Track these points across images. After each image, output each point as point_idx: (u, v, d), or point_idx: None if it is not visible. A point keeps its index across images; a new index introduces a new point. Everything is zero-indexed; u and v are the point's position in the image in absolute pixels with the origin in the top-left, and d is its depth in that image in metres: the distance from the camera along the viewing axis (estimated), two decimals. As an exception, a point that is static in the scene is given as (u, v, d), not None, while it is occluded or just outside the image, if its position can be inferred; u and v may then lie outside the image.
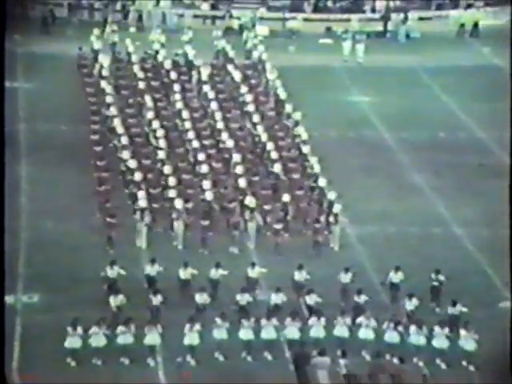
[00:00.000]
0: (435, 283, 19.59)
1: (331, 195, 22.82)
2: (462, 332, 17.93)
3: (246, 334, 17.98)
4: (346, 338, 18.11)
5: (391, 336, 18.08)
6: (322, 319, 18.22)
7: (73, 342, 17.45)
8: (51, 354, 17.52)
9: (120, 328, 17.67)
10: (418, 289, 19.40)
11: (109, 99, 27.53)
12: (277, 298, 19.05)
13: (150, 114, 26.84)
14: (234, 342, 17.95)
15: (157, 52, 31.30)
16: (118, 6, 37.54)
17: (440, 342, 17.97)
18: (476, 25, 38.14)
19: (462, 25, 38.16)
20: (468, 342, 17.86)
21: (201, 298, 18.87)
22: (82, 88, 29.25)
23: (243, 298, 19.01)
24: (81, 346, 17.50)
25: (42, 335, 18.12)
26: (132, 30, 36.10)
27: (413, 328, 18.08)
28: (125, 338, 17.65)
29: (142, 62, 30.60)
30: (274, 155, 24.89)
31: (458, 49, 35.95)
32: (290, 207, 22.89)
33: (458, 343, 17.92)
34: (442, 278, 19.60)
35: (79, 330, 17.45)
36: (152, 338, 17.69)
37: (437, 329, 17.96)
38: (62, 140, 26.91)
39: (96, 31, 32.61)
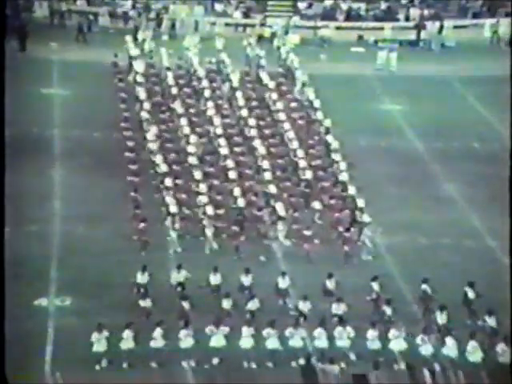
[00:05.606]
0: (469, 297, 19.28)
1: (361, 203, 22.64)
2: (499, 345, 17.59)
3: (272, 343, 17.91)
4: (378, 350, 17.91)
5: (424, 348, 17.82)
6: (348, 328, 18.08)
7: (101, 345, 17.56)
8: (82, 355, 17.62)
9: (152, 333, 17.74)
10: (448, 301, 19.12)
11: (143, 105, 27.76)
12: (304, 306, 18.97)
13: (181, 120, 27.03)
14: (261, 350, 17.90)
15: (190, 59, 31.50)
16: (152, 15, 37.95)
17: (474, 355, 17.65)
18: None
19: (495, 32, 37.56)
20: (504, 355, 17.50)
21: (227, 304, 18.93)
22: (116, 94, 29.54)
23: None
24: (109, 350, 17.58)
25: (74, 338, 18.22)
26: (165, 37, 36.46)
27: (446, 340, 17.80)
28: (155, 342, 17.72)
29: (175, 68, 30.83)
30: (304, 163, 24.88)
31: (493, 58, 35.51)
32: (321, 215, 22.79)
33: (494, 356, 17.60)
34: (475, 291, 19.28)
35: (106, 333, 17.54)
36: (186, 341, 17.74)
37: (471, 342, 17.62)
38: (94, 146, 27.10)
39: (131, 38, 33.01)
